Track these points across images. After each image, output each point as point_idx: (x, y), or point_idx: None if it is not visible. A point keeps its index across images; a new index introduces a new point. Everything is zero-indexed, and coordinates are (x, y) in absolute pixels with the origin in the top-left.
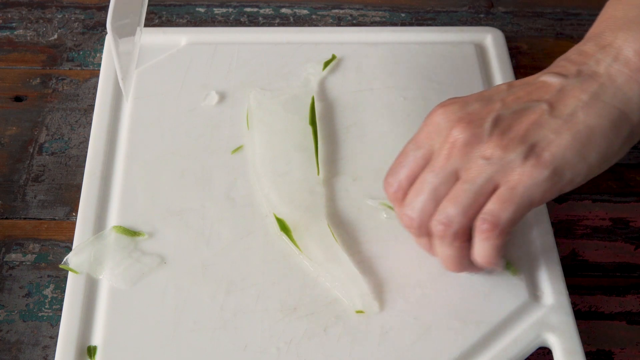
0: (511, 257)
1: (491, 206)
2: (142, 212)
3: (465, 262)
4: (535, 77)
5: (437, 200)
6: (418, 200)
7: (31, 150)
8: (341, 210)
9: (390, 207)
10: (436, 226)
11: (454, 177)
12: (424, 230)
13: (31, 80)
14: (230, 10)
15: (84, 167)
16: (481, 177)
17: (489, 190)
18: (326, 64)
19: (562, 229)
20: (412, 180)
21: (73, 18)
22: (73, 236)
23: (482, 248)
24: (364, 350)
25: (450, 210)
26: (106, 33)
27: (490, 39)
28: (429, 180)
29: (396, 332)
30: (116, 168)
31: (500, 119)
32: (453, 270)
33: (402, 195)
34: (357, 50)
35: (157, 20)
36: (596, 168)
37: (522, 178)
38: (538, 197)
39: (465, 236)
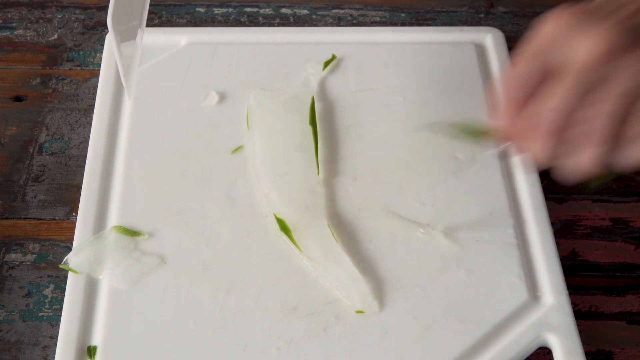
0: (511, 258)
1: None
2: (142, 212)
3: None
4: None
5: (577, 106)
6: (560, 105)
7: (31, 150)
8: (341, 210)
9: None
10: (593, 128)
11: (597, 87)
12: (557, 136)
13: (31, 80)
14: (230, 10)
15: (84, 167)
16: (634, 84)
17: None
18: (326, 64)
19: (562, 229)
20: (534, 89)
21: (73, 18)
22: (73, 236)
23: (636, 154)
24: (364, 350)
25: (607, 116)
26: (106, 33)
27: (490, 39)
28: (571, 87)
29: (396, 332)
30: (116, 168)
31: (636, 27)
32: (577, 176)
33: (523, 100)
34: (357, 50)
35: (157, 20)
36: None
37: None
38: None
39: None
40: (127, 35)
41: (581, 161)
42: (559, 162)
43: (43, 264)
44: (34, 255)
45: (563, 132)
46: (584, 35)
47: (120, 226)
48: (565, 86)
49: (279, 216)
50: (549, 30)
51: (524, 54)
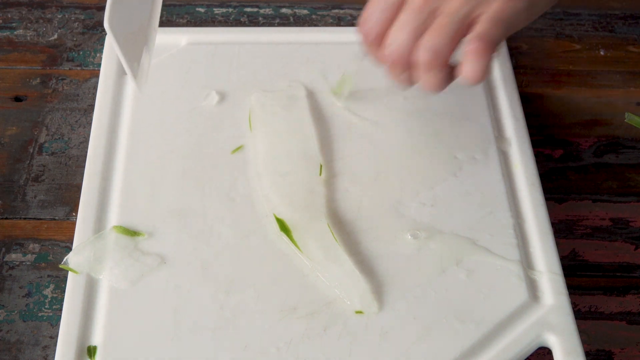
0: (511, 258)
1: (481, 27)
2: (142, 212)
3: (447, 82)
4: None
5: (417, 36)
6: (400, 37)
7: (31, 150)
8: (341, 210)
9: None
10: (424, 55)
11: (433, 17)
12: (406, 64)
13: (31, 80)
14: (230, 10)
15: (84, 167)
16: (464, 8)
17: (471, 20)
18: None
19: (562, 229)
20: (388, 26)
21: (73, 18)
22: (73, 236)
23: (474, 66)
24: (364, 350)
25: (438, 40)
26: (106, 33)
27: None
28: (409, 20)
29: (396, 332)
30: (116, 168)
31: None
32: (437, 91)
33: (380, 40)
34: (357, 50)
35: None
36: (544, 9)
37: (504, 7)
38: (516, 23)
39: (448, 61)
40: (130, 35)
41: (428, 83)
42: (413, 83)
43: (43, 264)
44: (34, 255)
45: (404, 59)
46: None
47: (120, 226)
48: (402, 19)
49: (279, 216)
50: None
51: None
